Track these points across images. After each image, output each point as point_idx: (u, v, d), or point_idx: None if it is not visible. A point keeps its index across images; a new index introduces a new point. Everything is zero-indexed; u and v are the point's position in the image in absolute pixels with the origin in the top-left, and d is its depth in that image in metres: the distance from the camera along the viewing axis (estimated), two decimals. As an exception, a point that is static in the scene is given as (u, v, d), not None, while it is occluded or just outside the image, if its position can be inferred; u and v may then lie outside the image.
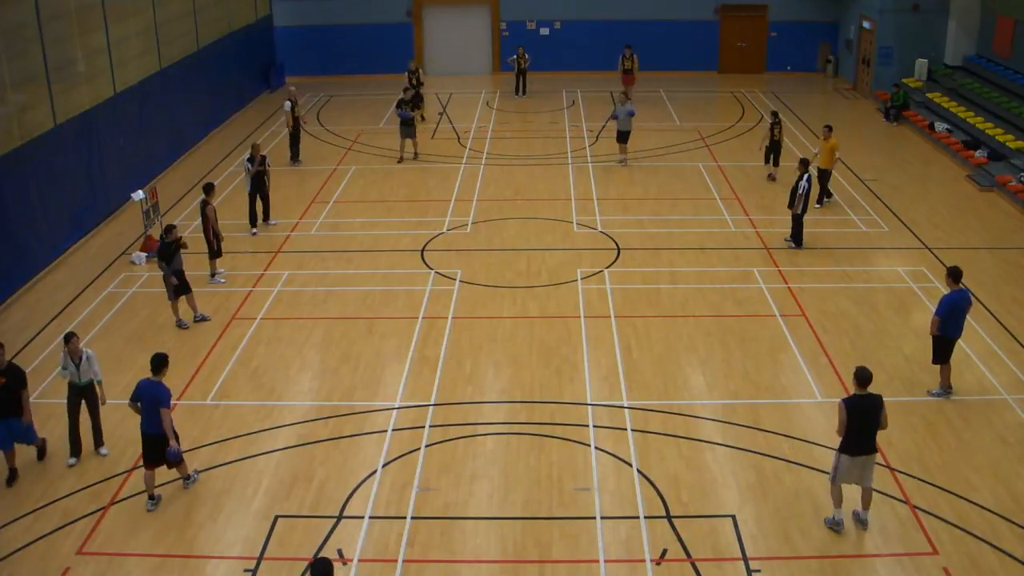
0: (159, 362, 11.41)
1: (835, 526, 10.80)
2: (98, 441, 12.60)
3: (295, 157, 24.78)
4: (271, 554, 10.62)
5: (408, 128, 24.41)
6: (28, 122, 17.99)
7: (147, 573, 10.39)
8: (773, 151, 23.38)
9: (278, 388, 14.07)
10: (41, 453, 12.41)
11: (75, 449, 12.38)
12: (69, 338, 12.20)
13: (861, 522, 10.85)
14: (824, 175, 20.88)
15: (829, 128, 21.07)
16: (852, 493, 10.95)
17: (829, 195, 21.29)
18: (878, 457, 11.40)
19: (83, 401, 12.35)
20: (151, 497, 11.43)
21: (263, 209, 20.48)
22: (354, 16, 34.91)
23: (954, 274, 13.44)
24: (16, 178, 17.49)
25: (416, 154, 24.73)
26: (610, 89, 31.97)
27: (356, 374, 14.41)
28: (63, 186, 19.15)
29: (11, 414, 11.82)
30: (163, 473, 11.65)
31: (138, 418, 11.46)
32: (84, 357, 12.21)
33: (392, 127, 28.39)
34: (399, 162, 24.54)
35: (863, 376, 10.62)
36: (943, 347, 13.42)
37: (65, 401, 12.40)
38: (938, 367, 13.59)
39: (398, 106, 24.62)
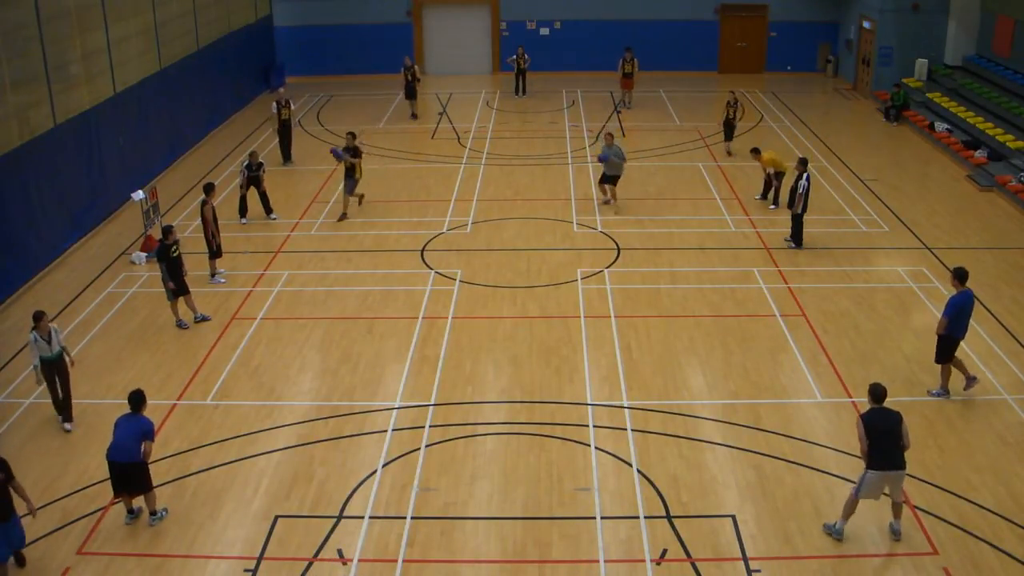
0: (138, 400, 11.02)
1: (835, 534, 10.68)
2: (67, 416, 13.16)
3: (287, 158, 24.80)
4: (271, 554, 10.62)
5: (349, 182, 20.65)
6: (28, 122, 17.99)
7: (147, 573, 10.39)
8: (727, 128, 25.17)
9: (278, 388, 14.07)
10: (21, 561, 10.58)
11: (68, 415, 13.18)
12: (40, 317, 12.88)
13: (894, 532, 10.67)
14: (777, 177, 20.99)
15: (757, 151, 21.31)
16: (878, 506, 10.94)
17: (776, 202, 21.10)
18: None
19: (55, 374, 13.06)
20: (130, 511, 11.19)
21: (263, 205, 20.66)
22: (354, 16, 34.92)
23: (959, 275, 13.37)
24: (16, 178, 17.48)
25: (344, 214, 20.72)
26: (610, 89, 31.98)
27: (356, 374, 14.41)
28: (63, 186, 19.15)
29: (2, 518, 10.14)
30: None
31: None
32: (52, 331, 12.98)
33: (391, 127, 28.48)
34: (341, 219, 20.80)
35: (877, 392, 10.55)
36: (948, 347, 13.40)
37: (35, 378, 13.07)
38: (939, 367, 13.59)
39: (344, 150, 20.76)
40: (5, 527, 10.10)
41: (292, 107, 24.81)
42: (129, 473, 10.82)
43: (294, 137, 25.40)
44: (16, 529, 10.27)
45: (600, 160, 21.31)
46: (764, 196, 21.38)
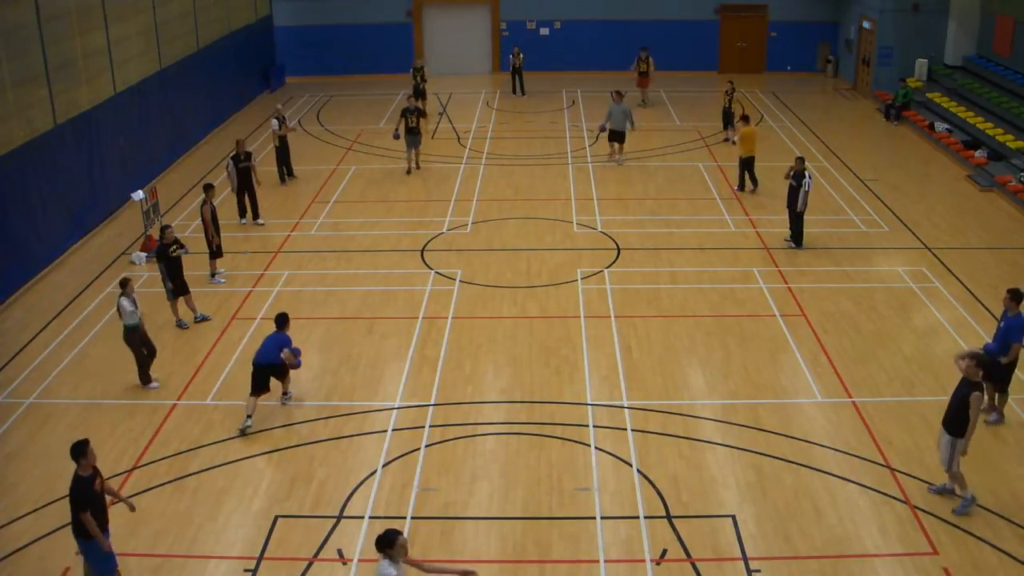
0: (282, 320, 13.16)
1: (964, 507, 10.83)
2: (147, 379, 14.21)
3: (290, 173, 23.32)
4: (271, 554, 10.62)
5: (416, 137, 23.00)
6: (28, 122, 17.98)
7: (147, 573, 10.39)
8: (726, 117, 26.55)
9: (278, 388, 14.05)
10: None
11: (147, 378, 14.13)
12: (126, 283, 13.82)
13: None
14: (747, 163, 21.85)
15: (746, 119, 22.68)
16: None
17: (754, 184, 22.06)
18: (878, 457, 11.38)
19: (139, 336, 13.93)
20: (248, 416, 12.81)
21: (251, 208, 20.47)
22: (354, 16, 34.93)
23: (1016, 296, 12.58)
24: (16, 178, 17.48)
25: (409, 168, 23.60)
26: (610, 89, 31.93)
27: (356, 374, 14.41)
28: (63, 186, 19.14)
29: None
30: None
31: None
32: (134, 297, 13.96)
33: (390, 127, 28.45)
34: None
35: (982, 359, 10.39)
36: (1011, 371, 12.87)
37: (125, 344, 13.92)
38: (989, 386, 12.71)
39: (408, 111, 22.30)
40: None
41: (289, 123, 23.07)
42: (270, 371, 13.03)
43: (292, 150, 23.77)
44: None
45: (607, 119, 23.87)
46: (741, 187, 22.12)
